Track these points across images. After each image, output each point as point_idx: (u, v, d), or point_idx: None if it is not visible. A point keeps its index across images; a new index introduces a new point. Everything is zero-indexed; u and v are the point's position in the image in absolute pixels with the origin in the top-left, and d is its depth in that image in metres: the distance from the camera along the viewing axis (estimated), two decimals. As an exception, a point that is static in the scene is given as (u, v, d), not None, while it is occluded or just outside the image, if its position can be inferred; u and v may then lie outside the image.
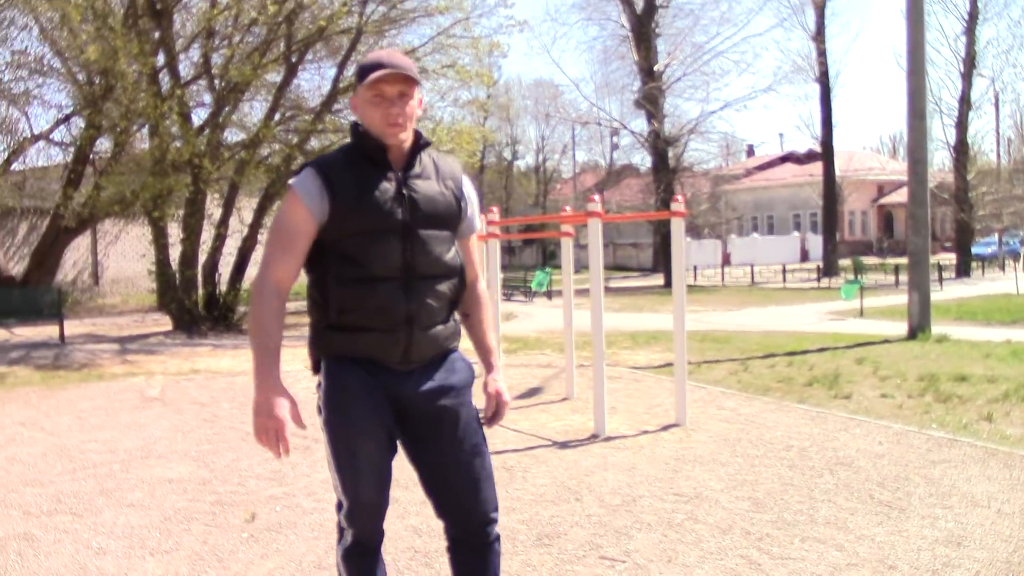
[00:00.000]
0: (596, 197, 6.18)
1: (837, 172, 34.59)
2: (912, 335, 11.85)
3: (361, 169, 2.29)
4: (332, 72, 16.57)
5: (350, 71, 16.57)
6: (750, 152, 57.20)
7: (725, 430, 6.05)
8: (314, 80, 19.98)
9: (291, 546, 3.87)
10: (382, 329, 2.27)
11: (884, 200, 48.04)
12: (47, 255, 18.27)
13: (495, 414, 2.46)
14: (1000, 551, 3.59)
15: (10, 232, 21.49)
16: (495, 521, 2.45)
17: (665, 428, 6.18)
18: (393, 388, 2.31)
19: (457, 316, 2.47)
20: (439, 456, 2.37)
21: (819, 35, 31.73)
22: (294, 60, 15.60)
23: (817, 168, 36.65)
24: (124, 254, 23.53)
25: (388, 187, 2.28)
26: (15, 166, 18.45)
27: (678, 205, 6.21)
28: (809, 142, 37.96)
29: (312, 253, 2.30)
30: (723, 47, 29.01)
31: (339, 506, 2.40)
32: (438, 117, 17.35)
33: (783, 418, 6.44)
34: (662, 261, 29.90)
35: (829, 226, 33.20)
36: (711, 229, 34.88)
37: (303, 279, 2.37)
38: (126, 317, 18.39)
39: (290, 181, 2.32)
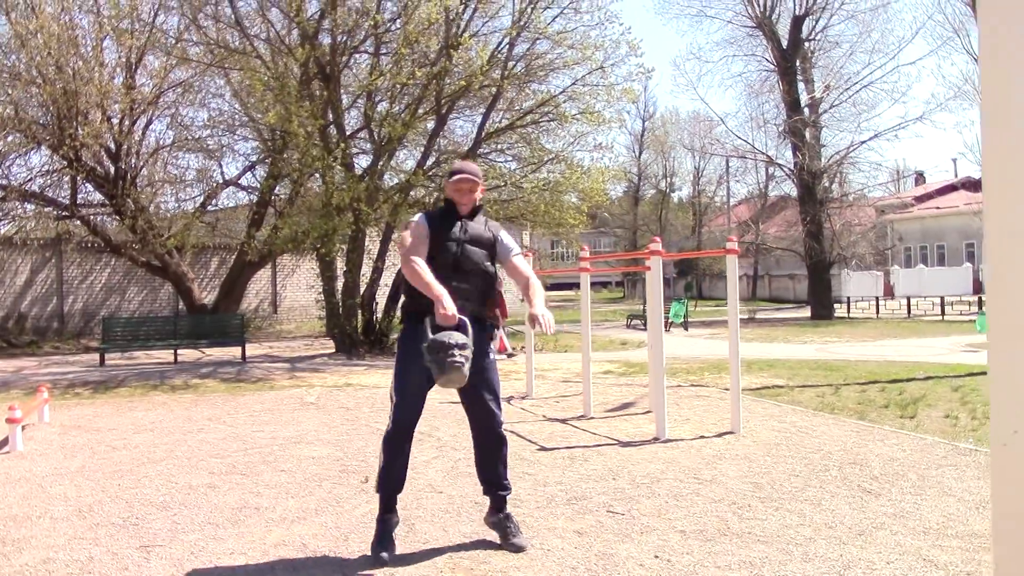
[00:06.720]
0: (657, 239, 7.27)
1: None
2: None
3: (445, 217, 4.33)
4: (479, 119, 18.31)
5: (496, 118, 18.31)
6: (919, 180, 55.05)
7: (772, 437, 6.97)
8: (465, 126, 21.75)
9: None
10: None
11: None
12: (234, 286, 21.06)
13: (536, 321, 4.00)
14: (931, 521, 4.45)
15: (203, 266, 24.71)
16: (502, 427, 4.24)
17: (720, 435, 7.17)
18: None
19: (487, 307, 4.27)
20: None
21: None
22: (444, 111, 17.43)
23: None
24: (298, 285, 26.34)
25: (455, 225, 4.29)
26: (209, 208, 21.30)
27: (732, 244, 7.21)
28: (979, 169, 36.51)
29: None
30: (874, 77, 28.93)
31: (391, 413, 4.15)
32: (575, 159, 18.68)
33: (831, 430, 7.26)
34: (813, 293, 29.78)
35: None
36: (859, 260, 34.09)
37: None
38: (298, 341, 20.83)
39: (413, 218, 4.36)
